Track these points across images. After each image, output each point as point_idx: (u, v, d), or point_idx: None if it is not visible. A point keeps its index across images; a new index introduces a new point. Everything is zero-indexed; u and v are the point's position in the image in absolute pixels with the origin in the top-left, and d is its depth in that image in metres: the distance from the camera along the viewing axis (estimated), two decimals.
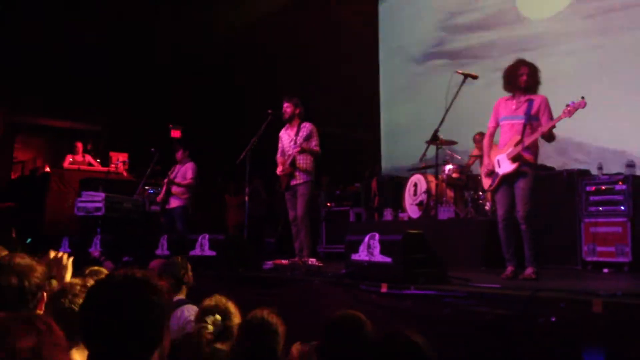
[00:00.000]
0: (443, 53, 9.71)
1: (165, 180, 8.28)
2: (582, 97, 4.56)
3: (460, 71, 5.34)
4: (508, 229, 4.97)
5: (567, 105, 4.62)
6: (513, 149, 4.87)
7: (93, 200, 8.63)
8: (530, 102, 4.90)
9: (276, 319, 2.63)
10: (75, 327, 1.59)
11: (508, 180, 4.95)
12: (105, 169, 10.24)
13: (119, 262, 6.53)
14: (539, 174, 5.19)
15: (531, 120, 4.87)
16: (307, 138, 6.37)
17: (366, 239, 4.58)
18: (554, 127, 4.80)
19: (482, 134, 6.47)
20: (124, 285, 1.60)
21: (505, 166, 4.94)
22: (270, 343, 2.55)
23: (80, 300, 2.36)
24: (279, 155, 6.60)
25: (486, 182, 5.24)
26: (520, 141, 4.84)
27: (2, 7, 8.79)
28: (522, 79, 4.94)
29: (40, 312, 2.21)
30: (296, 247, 6.40)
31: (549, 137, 4.87)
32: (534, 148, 4.91)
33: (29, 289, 2.19)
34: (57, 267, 2.88)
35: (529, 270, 4.75)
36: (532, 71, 4.96)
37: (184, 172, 8.26)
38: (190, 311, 3.71)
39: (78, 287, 2.46)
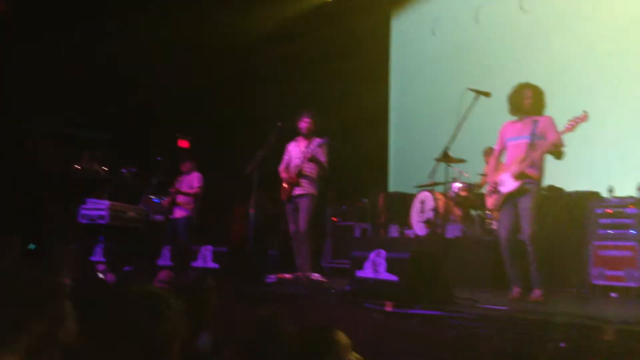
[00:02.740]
0: (455, 70, 9.65)
1: (172, 189, 8.20)
2: (584, 111, 4.52)
3: (472, 88, 5.28)
4: (511, 250, 4.90)
5: (569, 120, 4.58)
6: (517, 166, 4.81)
7: (97, 208, 8.57)
8: (535, 123, 4.87)
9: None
10: None
11: (512, 199, 4.88)
12: (110, 176, 10.18)
13: (120, 271, 6.48)
14: (544, 192, 5.11)
15: (535, 140, 4.82)
16: (318, 148, 6.30)
17: (372, 255, 4.51)
18: (560, 143, 4.74)
19: (491, 148, 6.41)
20: (142, 299, 1.62)
21: (509, 184, 4.87)
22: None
23: None
24: (282, 166, 6.51)
25: (489, 202, 5.18)
26: (524, 158, 4.79)
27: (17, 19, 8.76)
28: (527, 101, 4.92)
29: None
30: (298, 263, 6.30)
31: (557, 153, 4.79)
32: (539, 164, 4.84)
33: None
34: None
35: (536, 293, 4.66)
36: (537, 93, 4.95)
37: (190, 181, 8.17)
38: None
39: None
